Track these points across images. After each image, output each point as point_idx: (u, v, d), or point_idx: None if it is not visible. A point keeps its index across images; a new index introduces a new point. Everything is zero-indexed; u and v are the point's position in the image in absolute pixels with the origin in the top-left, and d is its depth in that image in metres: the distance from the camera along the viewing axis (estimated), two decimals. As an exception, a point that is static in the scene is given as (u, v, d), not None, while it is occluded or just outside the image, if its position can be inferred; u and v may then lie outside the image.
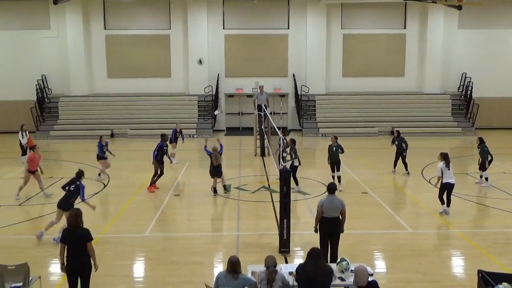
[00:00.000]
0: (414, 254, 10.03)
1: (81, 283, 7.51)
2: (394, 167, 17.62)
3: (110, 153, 17.14)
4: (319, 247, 8.16)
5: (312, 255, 6.73)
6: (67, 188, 10.85)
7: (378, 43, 29.88)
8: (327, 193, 8.98)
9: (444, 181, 12.52)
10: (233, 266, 6.72)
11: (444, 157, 12.57)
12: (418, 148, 20.80)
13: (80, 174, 10.97)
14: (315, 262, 6.64)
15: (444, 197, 12.67)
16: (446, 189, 12.60)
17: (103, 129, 27.25)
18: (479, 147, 15.76)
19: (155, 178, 15.44)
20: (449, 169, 12.48)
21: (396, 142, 17.36)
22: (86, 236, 7.42)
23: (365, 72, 29.95)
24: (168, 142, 16.54)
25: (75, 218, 7.46)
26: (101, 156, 16.86)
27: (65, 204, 10.56)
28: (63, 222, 10.37)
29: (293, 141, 14.93)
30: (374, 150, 22.82)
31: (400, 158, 17.29)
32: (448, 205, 12.69)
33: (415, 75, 30.27)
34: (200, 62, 27.85)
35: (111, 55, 29.70)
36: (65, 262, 7.46)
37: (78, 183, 10.78)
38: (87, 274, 7.52)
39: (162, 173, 15.58)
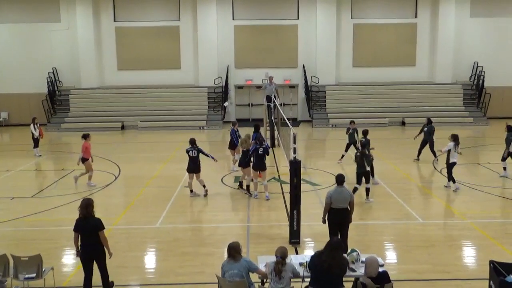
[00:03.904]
0: (425, 245, 9.99)
1: (98, 268, 7.66)
2: (418, 156, 17.72)
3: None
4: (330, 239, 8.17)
5: (332, 245, 6.72)
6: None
7: (389, 32, 29.62)
8: (335, 184, 8.98)
9: (452, 160, 13.74)
10: (230, 250, 6.91)
11: (455, 138, 13.68)
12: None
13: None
14: (332, 253, 6.63)
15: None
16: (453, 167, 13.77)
17: (113, 121, 27.49)
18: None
19: None
20: (455, 151, 13.71)
21: (426, 129, 17.28)
22: (98, 226, 7.51)
23: (375, 62, 29.75)
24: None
25: (85, 208, 7.51)
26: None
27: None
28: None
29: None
30: (384, 141, 22.68)
31: (429, 145, 17.32)
32: (454, 182, 13.83)
33: (426, 65, 29.98)
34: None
35: (121, 47, 29.77)
36: (80, 250, 7.59)
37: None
38: (102, 259, 7.66)
39: None
